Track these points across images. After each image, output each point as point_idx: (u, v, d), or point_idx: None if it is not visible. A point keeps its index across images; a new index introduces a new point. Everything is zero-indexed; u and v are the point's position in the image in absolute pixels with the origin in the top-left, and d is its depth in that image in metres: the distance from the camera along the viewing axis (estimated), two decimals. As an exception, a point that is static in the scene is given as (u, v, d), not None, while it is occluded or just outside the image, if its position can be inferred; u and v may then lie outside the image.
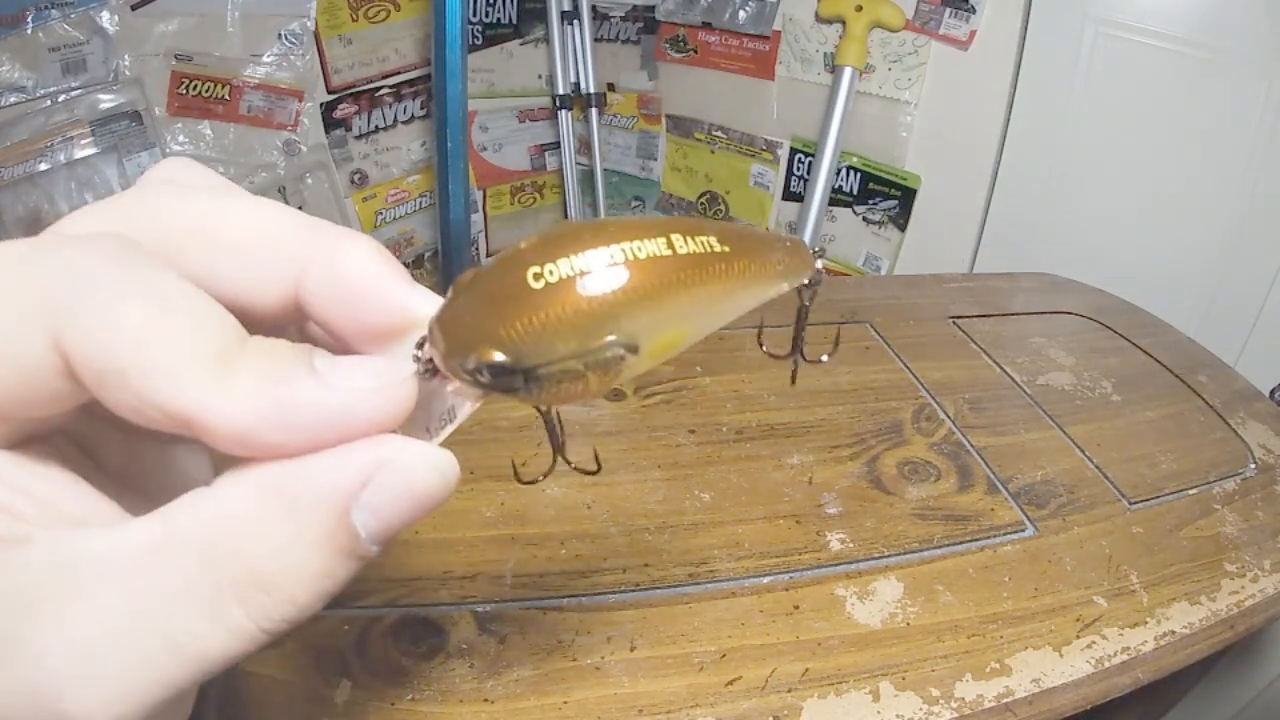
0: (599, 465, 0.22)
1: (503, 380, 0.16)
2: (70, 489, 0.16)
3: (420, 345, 0.17)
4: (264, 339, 0.15)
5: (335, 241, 0.17)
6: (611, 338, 0.16)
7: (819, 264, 0.20)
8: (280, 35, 1.27)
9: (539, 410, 0.20)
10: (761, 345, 0.25)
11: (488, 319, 0.16)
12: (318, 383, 0.15)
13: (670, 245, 0.17)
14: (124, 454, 0.19)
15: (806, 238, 1.35)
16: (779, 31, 1.38)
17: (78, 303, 0.13)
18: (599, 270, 0.16)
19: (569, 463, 0.21)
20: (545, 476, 0.22)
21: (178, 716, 0.17)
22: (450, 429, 0.18)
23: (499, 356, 0.16)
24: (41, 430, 0.16)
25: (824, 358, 0.24)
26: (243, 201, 0.17)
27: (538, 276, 0.15)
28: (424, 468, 0.16)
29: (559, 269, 0.15)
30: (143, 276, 0.14)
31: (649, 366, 0.17)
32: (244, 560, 0.14)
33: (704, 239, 0.17)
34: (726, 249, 0.17)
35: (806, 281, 0.20)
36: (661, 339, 0.17)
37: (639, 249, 0.16)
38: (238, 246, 0.16)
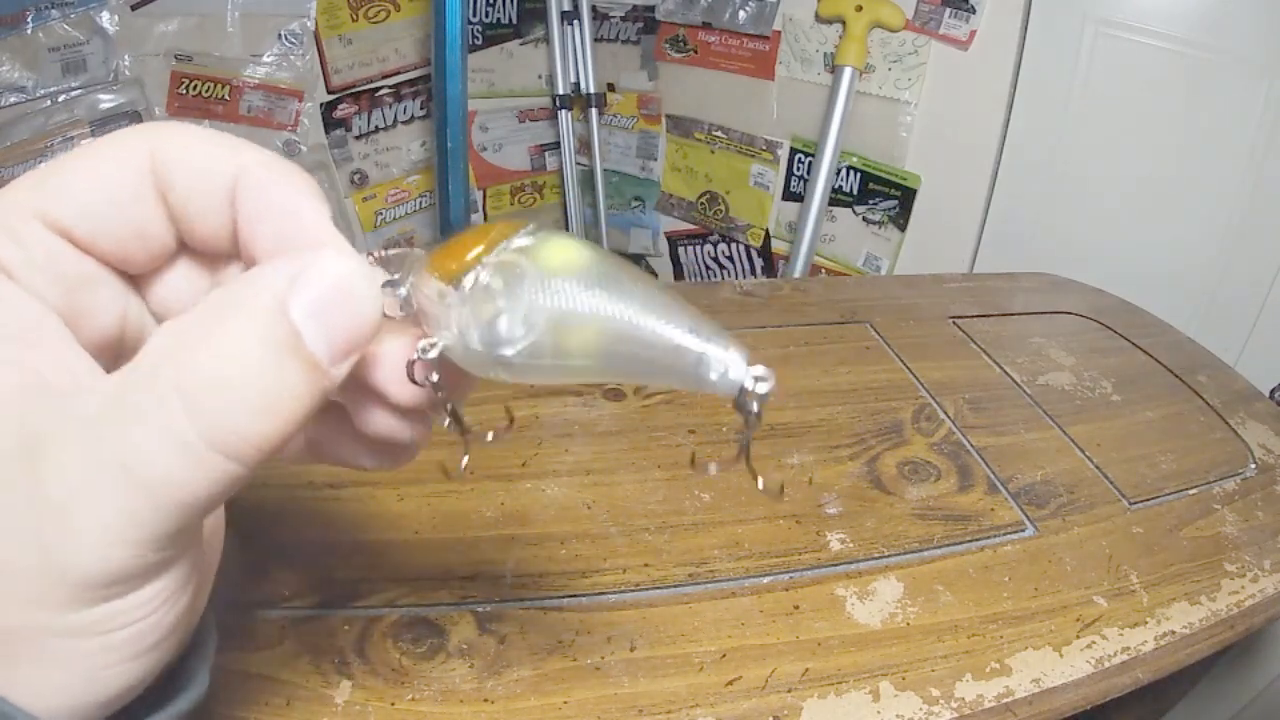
0: (511, 420, 0.22)
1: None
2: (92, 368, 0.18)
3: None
4: None
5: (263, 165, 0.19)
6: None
7: (755, 381, 0.18)
8: (280, 35, 1.27)
9: (454, 420, 0.20)
10: (693, 462, 0.24)
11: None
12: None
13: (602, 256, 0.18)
14: None
15: (806, 238, 1.35)
16: (779, 31, 1.38)
17: (167, 129, 0.18)
18: (522, 238, 0.18)
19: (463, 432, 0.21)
20: (466, 468, 0.22)
21: (192, 559, 0.17)
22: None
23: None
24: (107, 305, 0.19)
25: (760, 482, 0.22)
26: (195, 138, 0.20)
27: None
28: (345, 266, 0.17)
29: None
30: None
31: (553, 360, 0.18)
32: (189, 368, 0.15)
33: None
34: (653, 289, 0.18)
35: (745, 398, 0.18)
36: (563, 317, 0.18)
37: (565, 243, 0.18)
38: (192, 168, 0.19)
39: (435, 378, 0.19)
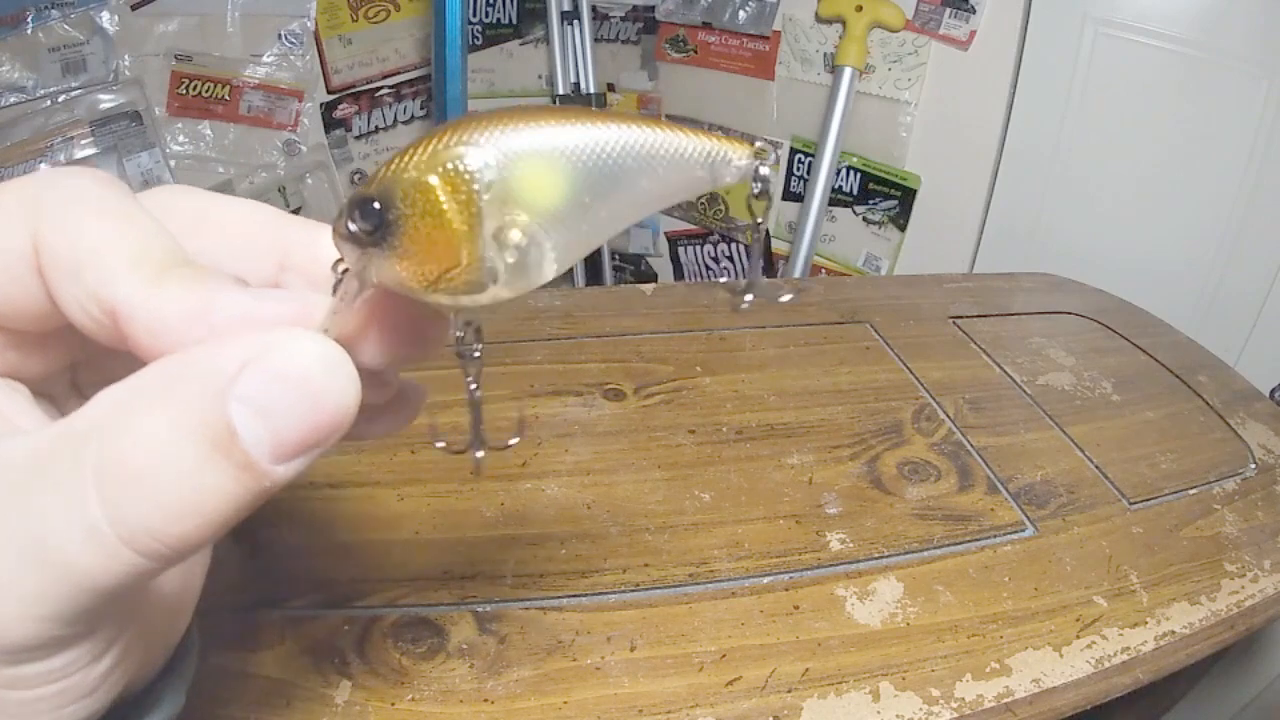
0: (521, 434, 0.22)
1: (369, 217, 0.16)
2: (20, 407, 0.17)
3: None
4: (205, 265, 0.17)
5: (314, 232, 0.18)
6: (461, 145, 0.15)
7: (760, 162, 0.17)
8: (280, 35, 1.27)
9: (469, 396, 0.19)
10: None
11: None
12: (240, 290, 0.16)
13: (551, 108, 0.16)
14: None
15: (806, 238, 1.35)
16: (779, 31, 1.38)
17: (58, 207, 0.16)
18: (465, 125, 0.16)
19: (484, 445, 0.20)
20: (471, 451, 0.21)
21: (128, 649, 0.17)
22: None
23: (364, 196, 0.16)
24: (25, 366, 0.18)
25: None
26: (231, 199, 0.19)
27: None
28: (306, 353, 0.15)
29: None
30: (114, 199, 0.16)
31: (524, 221, 0.16)
32: (111, 450, 0.14)
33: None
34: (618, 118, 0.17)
35: (748, 172, 0.17)
36: (529, 175, 0.16)
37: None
38: (227, 233, 0.18)
39: (479, 350, 0.18)
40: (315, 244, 0.18)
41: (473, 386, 0.19)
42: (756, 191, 0.18)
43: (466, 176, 0.15)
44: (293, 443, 0.14)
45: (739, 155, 0.17)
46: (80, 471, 0.14)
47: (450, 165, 0.15)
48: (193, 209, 0.18)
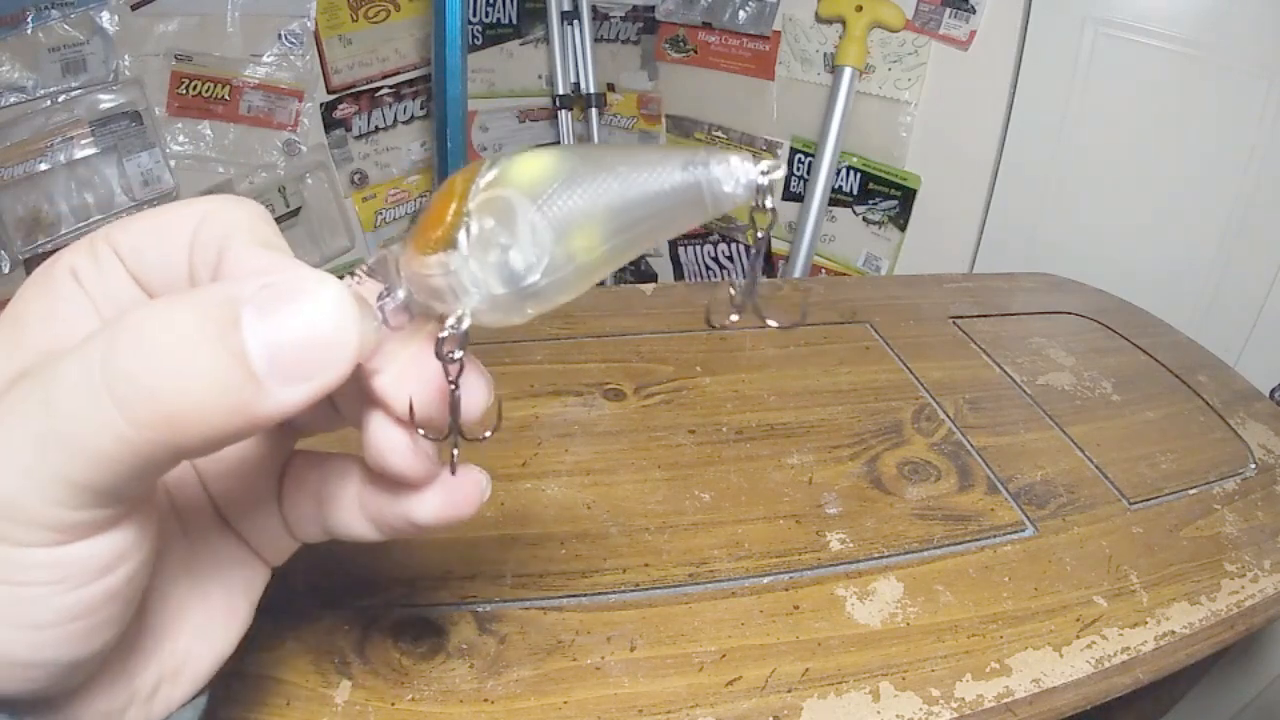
0: (499, 420, 0.22)
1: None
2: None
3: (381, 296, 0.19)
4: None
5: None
6: (485, 179, 0.18)
7: (760, 173, 0.18)
8: (280, 35, 1.27)
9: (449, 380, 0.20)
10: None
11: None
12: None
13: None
14: None
15: (806, 238, 1.35)
16: (779, 31, 1.38)
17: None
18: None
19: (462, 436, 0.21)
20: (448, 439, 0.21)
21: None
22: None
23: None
24: None
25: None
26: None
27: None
28: (320, 286, 0.16)
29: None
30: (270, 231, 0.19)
31: (575, 265, 0.18)
32: (128, 320, 0.15)
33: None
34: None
35: (751, 190, 0.18)
36: (535, 179, 0.18)
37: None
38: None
39: (459, 355, 0.19)
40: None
41: (453, 388, 0.20)
42: (757, 205, 0.18)
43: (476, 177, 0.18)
44: (288, 358, 0.16)
45: (729, 177, 0.18)
46: (92, 348, 0.15)
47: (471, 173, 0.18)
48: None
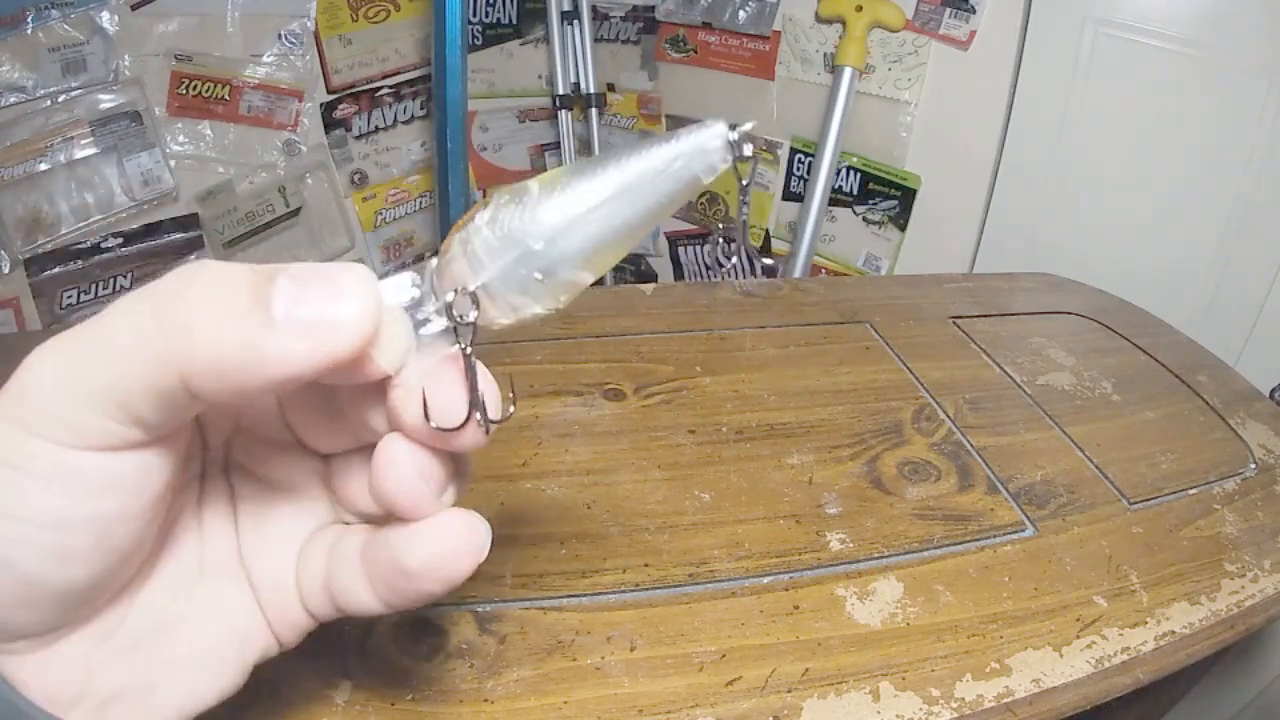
0: (513, 400, 0.23)
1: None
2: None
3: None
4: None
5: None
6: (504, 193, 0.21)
7: (734, 136, 0.20)
8: (280, 35, 1.27)
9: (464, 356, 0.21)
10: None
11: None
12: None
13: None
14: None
15: (806, 238, 1.35)
16: (779, 31, 1.38)
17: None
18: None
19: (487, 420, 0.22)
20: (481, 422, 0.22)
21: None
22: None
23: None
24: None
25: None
26: None
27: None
28: (345, 270, 0.18)
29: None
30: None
31: (556, 217, 0.20)
32: (180, 274, 0.17)
33: None
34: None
35: (730, 151, 0.20)
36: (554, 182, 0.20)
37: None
38: None
39: (474, 315, 0.20)
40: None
41: (467, 351, 0.21)
42: (736, 156, 0.20)
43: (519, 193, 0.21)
44: (304, 314, 0.17)
45: (712, 140, 0.20)
46: (147, 294, 0.17)
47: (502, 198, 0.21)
48: None
